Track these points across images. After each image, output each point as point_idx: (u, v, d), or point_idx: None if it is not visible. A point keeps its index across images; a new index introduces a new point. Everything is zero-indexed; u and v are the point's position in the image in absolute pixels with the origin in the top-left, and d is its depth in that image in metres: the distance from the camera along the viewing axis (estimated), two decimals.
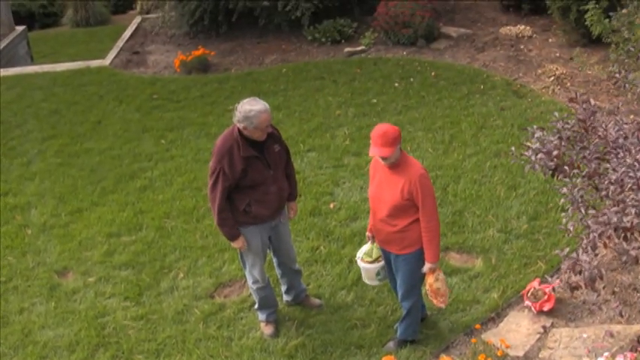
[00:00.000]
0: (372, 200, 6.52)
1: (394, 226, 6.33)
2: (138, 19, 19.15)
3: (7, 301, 8.24)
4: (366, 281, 6.99)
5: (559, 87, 12.12)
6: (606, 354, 5.72)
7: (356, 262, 6.99)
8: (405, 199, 6.17)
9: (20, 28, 17.82)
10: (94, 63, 16.25)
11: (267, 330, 7.26)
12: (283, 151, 6.91)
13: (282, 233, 7.10)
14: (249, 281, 7.14)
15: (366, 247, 6.83)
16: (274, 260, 7.35)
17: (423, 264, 6.37)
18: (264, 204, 6.70)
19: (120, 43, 17.30)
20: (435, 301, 6.51)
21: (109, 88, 14.64)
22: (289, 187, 7.04)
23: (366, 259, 6.77)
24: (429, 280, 6.42)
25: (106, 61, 16.26)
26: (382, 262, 6.72)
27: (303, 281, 7.63)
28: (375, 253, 6.72)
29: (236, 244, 6.84)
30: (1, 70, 16.37)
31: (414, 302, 6.62)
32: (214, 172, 6.51)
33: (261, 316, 7.31)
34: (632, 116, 9.57)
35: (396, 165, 6.22)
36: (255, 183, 6.60)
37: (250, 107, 6.42)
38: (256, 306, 7.32)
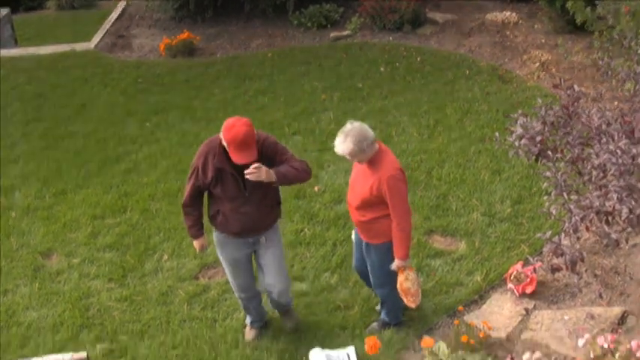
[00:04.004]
0: (349, 186, 6.53)
1: (363, 216, 6.35)
2: (123, 3, 18.97)
3: None
4: None
5: (544, 73, 12.15)
6: (587, 336, 5.76)
7: (349, 239, 7.03)
8: (373, 196, 6.15)
9: (4, 11, 17.62)
10: (79, 46, 16.13)
11: (248, 335, 7.11)
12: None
13: (265, 255, 6.56)
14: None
15: None
16: None
17: (393, 257, 6.36)
18: (233, 220, 6.28)
19: (105, 27, 17.15)
20: (405, 300, 6.50)
21: (94, 72, 14.56)
22: (279, 205, 6.58)
23: None
24: (400, 278, 6.42)
25: (91, 45, 16.14)
26: None
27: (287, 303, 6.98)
28: None
29: (195, 244, 6.73)
30: None
31: (389, 291, 6.60)
32: (191, 168, 6.23)
33: (246, 319, 7.18)
34: (615, 103, 9.63)
35: (371, 161, 6.16)
36: (227, 196, 6.19)
37: (228, 124, 5.90)
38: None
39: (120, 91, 13.48)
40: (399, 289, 6.46)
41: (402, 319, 6.98)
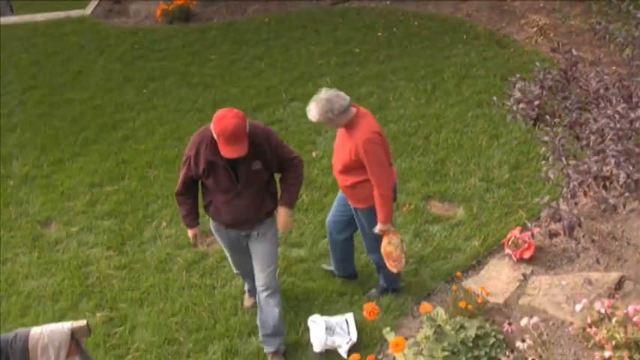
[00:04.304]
0: (334, 150, 6.52)
1: (346, 180, 6.37)
2: None
3: None
4: None
5: (542, 37, 12.08)
6: (584, 301, 5.78)
7: None
8: (352, 160, 6.15)
9: None
10: (75, 13, 16.04)
11: (247, 302, 7.15)
12: (265, 172, 6.01)
13: (255, 250, 6.32)
14: None
15: None
16: None
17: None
18: (225, 212, 6.10)
19: None
20: (388, 264, 6.51)
21: (90, 38, 14.49)
22: (275, 199, 6.28)
23: None
24: (383, 242, 6.44)
25: (87, 11, 16.05)
26: None
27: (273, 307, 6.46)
28: None
29: (189, 233, 6.44)
30: None
31: (381, 256, 6.59)
32: (184, 157, 5.98)
33: (245, 286, 7.16)
34: (613, 67, 9.59)
35: (348, 125, 6.16)
36: (219, 188, 5.97)
37: (218, 115, 5.64)
38: None
39: (116, 57, 13.42)
40: (382, 253, 6.49)
41: (401, 285, 7.00)
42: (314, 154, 9.33)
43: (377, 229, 6.39)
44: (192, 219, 6.30)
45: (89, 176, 9.51)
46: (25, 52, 14.12)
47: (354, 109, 6.15)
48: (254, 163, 5.85)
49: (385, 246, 6.44)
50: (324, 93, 6.10)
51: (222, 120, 5.56)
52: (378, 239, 6.50)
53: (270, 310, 6.31)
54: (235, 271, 6.88)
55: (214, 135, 5.62)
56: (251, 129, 5.72)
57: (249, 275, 6.69)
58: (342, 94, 6.12)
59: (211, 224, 6.41)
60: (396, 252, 6.44)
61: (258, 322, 6.46)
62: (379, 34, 13.11)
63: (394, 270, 6.53)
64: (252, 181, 5.92)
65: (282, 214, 6.20)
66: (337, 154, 6.39)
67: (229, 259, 6.74)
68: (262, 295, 6.30)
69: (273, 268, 6.32)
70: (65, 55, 13.75)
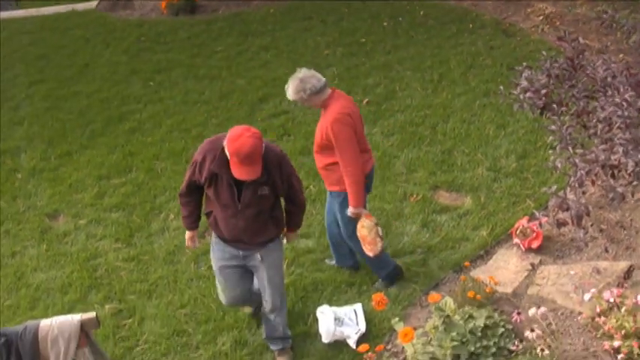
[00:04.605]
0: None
1: (320, 162, 6.44)
2: None
3: None
4: None
5: (548, 26, 12.05)
6: (593, 290, 5.79)
7: None
8: (324, 140, 6.20)
9: None
10: (81, 6, 16.08)
11: (245, 309, 6.87)
12: (271, 196, 5.65)
13: (259, 275, 6.05)
14: None
15: None
16: None
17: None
18: (223, 227, 5.76)
19: None
20: (364, 248, 6.51)
21: (96, 31, 14.52)
22: (279, 226, 5.95)
23: None
24: (358, 226, 6.44)
25: (93, 4, 16.10)
26: None
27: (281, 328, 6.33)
28: None
29: (186, 236, 6.25)
30: None
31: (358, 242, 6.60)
32: (192, 159, 5.66)
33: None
34: (620, 55, 9.56)
35: (324, 106, 6.27)
36: (219, 202, 5.62)
37: (234, 133, 5.28)
38: None
39: (122, 50, 13.44)
40: (358, 237, 6.50)
41: (396, 272, 6.97)
42: None
43: (348, 212, 6.40)
44: (193, 221, 6.08)
45: (96, 169, 9.53)
46: (32, 46, 14.16)
47: (328, 91, 6.24)
48: (261, 188, 5.52)
49: (359, 229, 6.44)
50: (301, 73, 6.24)
51: (237, 139, 5.19)
52: (352, 223, 6.50)
53: (276, 325, 6.26)
54: (225, 301, 6.31)
55: (227, 152, 5.28)
56: (265, 151, 5.38)
57: (241, 300, 6.36)
58: (318, 75, 6.25)
59: (212, 238, 6.07)
60: (370, 235, 6.41)
61: (263, 326, 6.45)
62: (385, 23, 13.09)
63: (370, 254, 6.50)
64: (255, 205, 5.57)
65: (289, 234, 6.23)
66: (315, 136, 6.46)
67: (219, 286, 6.25)
68: (269, 314, 6.20)
69: (280, 292, 6.11)
70: (71, 49, 13.78)
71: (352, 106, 6.36)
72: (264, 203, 5.62)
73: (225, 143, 5.29)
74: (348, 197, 6.30)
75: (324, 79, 6.24)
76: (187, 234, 6.22)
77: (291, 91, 6.21)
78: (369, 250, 6.47)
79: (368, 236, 6.41)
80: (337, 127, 6.08)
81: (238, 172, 5.25)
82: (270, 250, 5.90)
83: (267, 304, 6.12)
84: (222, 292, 6.22)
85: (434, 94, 10.41)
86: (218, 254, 6.01)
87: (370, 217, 6.44)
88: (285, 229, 6.12)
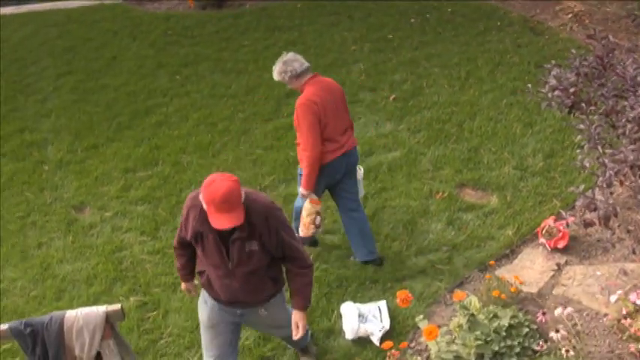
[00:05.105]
0: None
1: (298, 145, 6.63)
2: None
3: (26, 236, 8.34)
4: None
5: (577, 24, 11.97)
6: (620, 292, 5.75)
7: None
8: (295, 123, 6.50)
9: None
10: None
11: None
12: (264, 254, 4.93)
13: (265, 327, 5.83)
14: None
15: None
16: None
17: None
18: (217, 287, 5.14)
19: None
20: (299, 226, 6.86)
21: (123, 24, 14.57)
22: (278, 284, 5.28)
23: None
24: (302, 206, 6.81)
25: None
26: None
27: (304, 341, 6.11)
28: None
29: (182, 287, 5.73)
30: (15, 7, 16.32)
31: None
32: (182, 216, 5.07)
33: None
34: None
35: (301, 90, 6.57)
36: (209, 262, 5.01)
37: (207, 180, 4.65)
38: None
39: (149, 43, 13.48)
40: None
41: (371, 257, 7.20)
42: None
43: (299, 190, 6.73)
44: (187, 274, 5.53)
45: (123, 162, 9.57)
46: (60, 39, 14.23)
47: (309, 75, 6.53)
48: (249, 243, 4.84)
49: (302, 209, 6.78)
50: (287, 56, 6.58)
51: (210, 184, 4.58)
52: (303, 201, 6.83)
53: (297, 343, 6.06)
54: (210, 357, 5.52)
55: (203, 204, 4.65)
56: (248, 202, 4.73)
57: (227, 356, 5.50)
58: (302, 59, 6.57)
59: (201, 292, 5.45)
60: (306, 218, 6.75)
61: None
62: (412, 20, 13.05)
63: (300, 234, 6.79)
64: (246, 263, 4.91)
65: (296, 316, 5.22)
66: None
67: (204, 342, 5.55)
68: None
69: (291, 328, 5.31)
70: (99, 42, 13.84)
71: (325, 94, 6.51)
72: (256, 261, 4.92)
73: (200, 196, 4.70)
74: (302, 178, 6.58)
75: (307, 63, 6.58)
76: (183, 285, 5.69)
77: (275, 72, 6.57)
78: (301, 231, 6.81)
79: (305, 218, 6.76)
80: (301, 111, 6.37)
81: (216, 222, 4.57)
82: (273, 304, 5.36)
83: (291, 340, 5.67)
84: (204, 345, 5.55)
85: (461, 91, 10.37)
86: (208, 309, 5.39)
87: (315, 203, 6.72)
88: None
